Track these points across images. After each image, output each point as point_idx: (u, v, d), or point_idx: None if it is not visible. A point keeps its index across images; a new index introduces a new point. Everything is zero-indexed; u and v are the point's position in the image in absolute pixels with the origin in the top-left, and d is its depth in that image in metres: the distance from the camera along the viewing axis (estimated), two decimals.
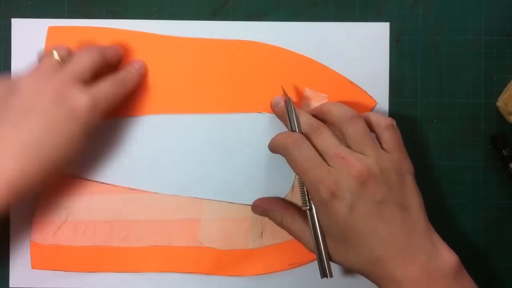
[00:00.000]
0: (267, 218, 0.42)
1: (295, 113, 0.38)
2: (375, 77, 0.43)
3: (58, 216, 0.42)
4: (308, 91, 0.42)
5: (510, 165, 0.42)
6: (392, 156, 0.36)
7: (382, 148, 0.36)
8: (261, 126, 0.42)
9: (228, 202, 0.42)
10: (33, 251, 0.42)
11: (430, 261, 0.33)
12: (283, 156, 0.37)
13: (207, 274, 0.42)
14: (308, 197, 0.37)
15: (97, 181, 0.42)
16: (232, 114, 0.42)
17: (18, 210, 0.42)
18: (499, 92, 0.43)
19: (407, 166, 0.36)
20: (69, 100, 0.35)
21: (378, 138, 0.37)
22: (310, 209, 0.37)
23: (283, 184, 0.42)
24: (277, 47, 0.43)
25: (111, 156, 0.42)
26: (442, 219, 0.43)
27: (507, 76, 0.43)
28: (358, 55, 0.43)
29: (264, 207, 0.40)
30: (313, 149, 0.35)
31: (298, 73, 0.42)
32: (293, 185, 0.42)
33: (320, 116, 0.38)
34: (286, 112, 0.38)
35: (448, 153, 0.43)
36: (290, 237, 0.42)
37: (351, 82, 0.43)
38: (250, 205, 0.42)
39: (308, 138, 0.36)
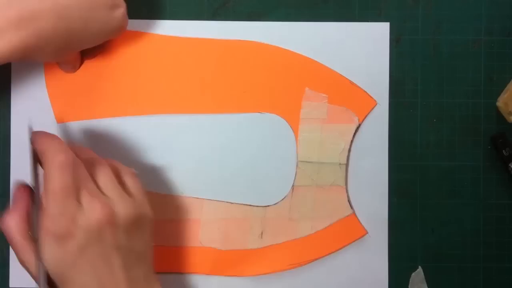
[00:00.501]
0: (267, 218, 0.42)
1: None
2: (375, 77, 0.43)
3: None
4: (308, 91, 0.42)
5: (510, 165, 0.42)
6: (136, 202, 0.35)
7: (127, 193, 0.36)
8: (261, 126, 0.42)
9: (228, 202, 0.42)
10: None
11: None
12: (42, 161, 0.33)
13: (207, 274, 0.42)
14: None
15: None
16: (232, 114, 0.42)
17: None
18: (499, 92, 0.43)
19: (148, 211, 0.36)
20: None
21: (121, 184, 0.36)
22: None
23: (283, 184, 0.42)
24: (277, 47, 0.42)
25: (111, 156, 0.42)
26: (442, 219, 0.43)
27: (507, 76, 0.43)
28: (358, 55, 0.43)
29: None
30: (77, 176, 0.33)
31: (298, 73, 0.42)
32: (293, 186, 0.42)
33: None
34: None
35: (448, 153, 0.43)
36: (290, 237, 0.42)
37: (351, 82, 0.43)
38: (250, 205, 0.42)
39: (78, 166, 0.34)
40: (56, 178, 0.32)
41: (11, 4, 0.32)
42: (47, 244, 0.32)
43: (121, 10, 0.38)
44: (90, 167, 0.35)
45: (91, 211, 0.32)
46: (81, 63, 0.42)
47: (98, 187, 0.34)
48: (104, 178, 0.35)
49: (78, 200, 0.33)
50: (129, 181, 0.37)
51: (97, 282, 0.33)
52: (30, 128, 0.36)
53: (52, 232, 0.32)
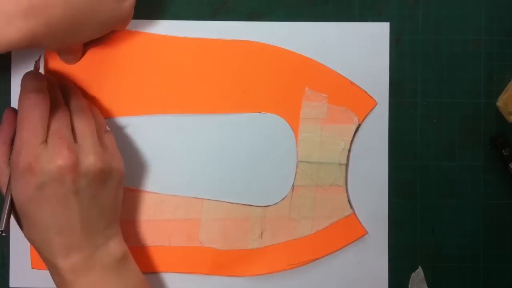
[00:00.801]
0: (267, 218, 0.42)
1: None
2: (375, 77, 0.43)
3: None
4: (308, 91, 0.42)
5: (510, 165, 0.42)
6: (107, 156, 0.37)
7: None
8: (261, 126, 0.42)
9: (228, 202, 0.42)
10: (33, 251, 0.42)
11: (96, 253, 0.36)
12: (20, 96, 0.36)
13: (207, 274, 0.42)
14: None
15: None
16: (232, 114, 0.42)
17: None
18: (499, 92, 0.43)
19: (117, 165, 0.38)
20: None
21: (100, 138, 0.38)
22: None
23: (283, 184, 0.42)
24: (277, 47, 0.42)
25: None
26: (442, 219, 0.43)
27: (507, 76, 0.43)
28: (358, 55, 0.43)
29: None
30: (47, 114, 0.35)
31: (298, 73, 0.42)
32: (293, 186, 0.42)
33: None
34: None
35: (448, 153, 0.43)
36: (290, 237, 0.42)
37: (351, 82, 0.43)
38: (250, 205, 0.42)
39: (59, 110, 0.36)
40: (25, 117, 0.35)
41: None
42: (12, 175, 0.35)
43: (130, 1, 0.38)
44: (75, 115, 0.37)
45: (55, 154, 0.34)
46: (83, 54, 0.42)
47: (74, 134, 0.36)
48: (83, 128, 0.37)
49: (47, 141, 0.35)
50: (105, 137, 0.38)
51: (53, 222, 0.35)
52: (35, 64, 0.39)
53: (15, 164, 0.34)
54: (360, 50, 0.43)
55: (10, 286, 0.42)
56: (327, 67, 0.43)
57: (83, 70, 0.42)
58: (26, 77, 0.37)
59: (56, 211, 0.35)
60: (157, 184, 0.42)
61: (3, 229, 0.36)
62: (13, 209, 0.36)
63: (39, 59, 0.40)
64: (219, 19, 0.43)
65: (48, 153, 0.34)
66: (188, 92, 0.42)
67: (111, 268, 0.36)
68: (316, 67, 0.42)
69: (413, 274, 0.43)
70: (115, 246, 0.37)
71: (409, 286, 0.43)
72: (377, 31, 0.43)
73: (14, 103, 0.42)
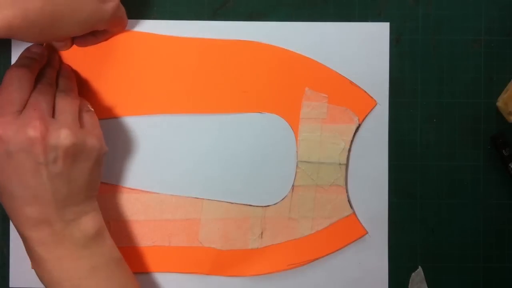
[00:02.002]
0: (267, 218, 0.42)
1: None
2: (375, 77, 0.43)
3: None
4: (308, 91, 0.42)
5: (510, 165, 0.42)
6: (84, 133, 0.36)
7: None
8: (261, 126, 0.42)
9: (228, 202, 0.42)
10: None
11: (66, 229, 0.35)
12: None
13: (207, 274, 0.42)
14: None
15: None
16: (232, 114, 0.42)
17: None
18: (499, 92, 0.43)
19: (93, 141, 0.37)
20: None
21: (79, 118, 0.38)
22: None
23: (283, 184, 0.42)
24: (277, 47, 0.42)
25: (111, 156, 0.42)
26: (442, 219, 0.43)
27: (507, 76, 0.43)
28: (358, 55, 0.43)
29: None
30: (26, 92, 0.36)
31: (298, 73, 0.42)
32: (293, 186, 0.42)
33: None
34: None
35: (448, 153, 0.43)
36: (290, 237, 0.42)
37: (351, 82, 0.43)
38: (250, 205, 0.42)
39: (34, 85, 0.37)
40: (4, 86, 0.35)
41: None
42: None
43: (112, 4, 0.38)
44: (59, 93, 0.37)
45: (25, 124, 0.34)
46: (73, 43, 0.41)
47: (56, 110, 0.36)
48: (64, 104, 0.37)
49: (21, 110, 0.35)
50: (86, 115, 0.38)
51: (22, 193, 0.34)
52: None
53: None
54: (360, 50, 0.43)
55: (10, 286, 0.42)
56: (327, 67, 0.43)
57: (83, 70, 0.42)
58: (26, 49, 0.38)
59: (24, 181, 0.34)
60: (157, 184, 0.42)
61: None
62: None
63: None
64: (219, 19, 0.43)
65: (19, 123, 0.34)
66: (188, 92, 0.42)
67: (82, 245, 0.36)
68: (316, 67, 0.43)
69: (413, 274, 0.43)
70: (88, 223, 0.37)
71: (409, 286, 0.43)
72: (377, 31, 0.43)
73: None
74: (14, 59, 0.42)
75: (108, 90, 0.42)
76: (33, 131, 0.34)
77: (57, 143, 0.34)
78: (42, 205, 0.35)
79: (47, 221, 0.35)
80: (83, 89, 0.42)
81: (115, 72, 0.42)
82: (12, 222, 0.36)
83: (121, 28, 0.41)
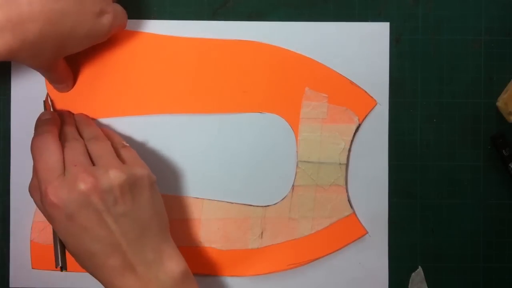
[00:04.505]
0: (267, 218, 0.42)
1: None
2: (375, 77, 0.43)
3: None
4: (308, 91, 0.42)
5: (510, 165, 0.42)
6: (128, 167, 0.36)
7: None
8: (261, 126, 0.42)
9: (228, 202, 0.42)
10: (33, 251, 0.42)
11: (149, 272, 0.35)
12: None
13: (207, 274, 0.42)
14: None
15: None
16: (232, 114, 0.42)
17: (18, 210, 0.42)
18: (499, 92, 0.43)
19: (140, 170, 0.36)
20: None
21: (118, 156, 0.37)
22: None
23: (283, 184, 0.42)
24: (277, 47, 0.42)
25: None
26: (442, 219, 0.43)
27: (507, 76, 0.43)
28: (358, 55, 0.43)
29: None
30: (59, 154, 0.35)
31: (298, 73, 0.42)
32: (293, 186, 0.42)
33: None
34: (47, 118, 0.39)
35: (448, 153, 0.43)
36: (290, 237, 0.42)
37: (351, 82, 0.43)
38: (250, 205, 0.42)
39: (62, 146, 0.36)
40: (37, 158, 0.35)
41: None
42: (45, 216, 0.35)
43: (109, 16, 0.38)
44: (89, 142, 0.37)
45: (74, 181, 0.34)
46: (74, 82, 0.42)
47: (93, 158, 0.36)
48: (98, 149, 0.37)
49: (64, 173, 0.34)
50: (122, 151, 0.38)
51: (97, 247, 0.34)
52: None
53: (43, 205, 0.34)
54: (360, 50, 0.43)
55: (10, 286, 0.42)
56: (327, 67, 0.43)
57: (84, 70, 0.42)
58: (38, 119, 0.39)
59: (95, 235, 0.34)
60: (157, 184, 0.42)
61: (60, 265, 0.36)
62: (63, 245, 0.36)
63: (46, 99, 0.41)
64: (219, 19, 0.43)
65: (67, 183, 0.34)
66: (188, 92, 0.42)
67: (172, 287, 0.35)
68: (316, 67, 0.43)
69: (413, 274, 0.43)
70: (171, 264, 0.36)
71: (409, 286, 0.43)
72: (377, 31, 0.43)
73: (14, 102, 0.42)
74: (13, 83, 0.42)
75: (108, 90, 0.42)
76: (83, 184, 0.33)
77: (110, 184, 0.34)
78: (120, 251, 0.34)
79: (130, 266, 0.34)
80: (83, 89, 0.42)
81: (115, 72, 0.42)
82: (99, 281, 0.35)
83: (121, 28, 0.41)
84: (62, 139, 0.37)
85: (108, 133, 0.40)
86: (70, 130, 0.39)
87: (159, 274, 0.35)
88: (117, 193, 0.34)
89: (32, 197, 0.36)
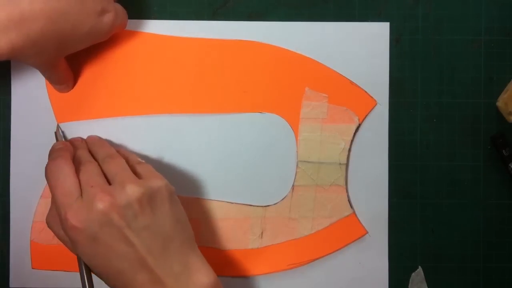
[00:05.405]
0: (267, 218, 0.42)
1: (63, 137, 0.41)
2: (375, 77, 0.43)
3: None
4: (308, 91, 0.42)
5: (510, 165, 0.42)
6: (145, 181, 0.35)
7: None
8: (261, 126, 0.42)
9: (228, 202, 0.42)
10: (33, 251, 0.42)
11: (179, 284, 0.34)
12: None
13: None
14: None
15: None
16: (232, 114, 0.42)
17: (18, 210, 0.42)
18: (499, 92, 0.43)
19: (157, 182, 0.36)
20: None
21: (134, 172, 0.37)
22: None
23: (283, 184, 0.42)
24: (277, 47, 0.43)
25: None
26: (442, 219, 0.43)
27: (507, 76, 0.43)
28: (358, 55, 0.43)
29: None
30: (71, 177, 0.35)
31: (298, 73, 0.42)
32: (293, 186, 0.42)
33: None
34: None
35: (448, 153, 0.43)
36: (290, 237, 0.42)
37: (351, 82, 0.43)
38: (250, 205, 0.42)
39: (77, 171, 0.36)
40: (52, 184, 0.35)
41: (1, 5, 0.33)
42: (68, 240, 0.35)
43: (110, 15, 0.38)
44: (103, 162, 0.37)
45: (92, 201, 0.33)
46: (75, 83, 0.42)
47: (109, 176, 0.36)
48: (113, 168, 0.36)
49: (82, 195, 0.34)
50: (138, 167, 0.37)
51: (124, 265, 0.33)
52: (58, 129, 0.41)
53: (64, 230, 0.34)
54: (360, 50, 0.43)
55: (10, 286, 0.42)
56: (327, 67, 0.43)
57: (84, 70, 0.42)
58: (51, 149, 0.38)
59: (120, 253, 0.33)
60: None
61: None
62: (88, 268, 0.36)
63: (57, 130, 0.41)
64: (219, 19, 0.43)
65: (85, 205, 0.33)
66: (188, 92, 0.42)
67: None
68: (316, 67, 0.43)
69: (413, 274, 0.43)
70: (200, 276, 0.35)
71: (409, 286, 0.43)
72: (377, 31, 0.43)
73: (14, 103, 0.42)
74: (13, 83, 0.42)
75: (108, 90, 0.42)
76: (101, 203, 0.33)
77: (128, 200, 0.34)
78: (146, 265, 0.33)
79: (158, 280, 0.33)
80: (84, 89, 0.42)
81: (115, 72, 0.42)
82: None
83: (121, 27, 0.41)
84: (76, 163, 0.36)
85: (122, 152, 0.40)
86: (83, 154, 0.38)
87: (189, 285, 0.34)
88: (136, 208, 0.34)
89: (50, 228, 0.36)
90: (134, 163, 0.38)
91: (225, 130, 0.42)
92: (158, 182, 0.36)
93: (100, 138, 0.42)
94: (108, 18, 0.38)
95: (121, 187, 0.34)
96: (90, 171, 0.36)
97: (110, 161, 0.37)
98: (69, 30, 0.35)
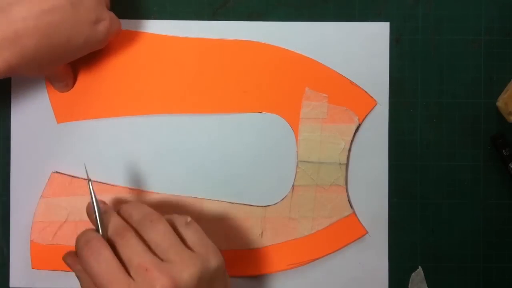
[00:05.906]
0: (267, 218, 0.42)
1: (99, 213, 0.34)
2: (375, 77, 0.43)
3: (58, 216, 0.42)
4: (308, 91, 0.42)
5: (510, 165, 0.42)
6: (199, 254, 0.33)
7: (187, 246, 0.33)
8: (261, 126, 0.42)
9: (228, 202, 0.42)
10: (33, 251, 0.42)
11: None
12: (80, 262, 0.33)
13: None
14: None
15: (97, 181, 0.42)
16: (232, 114, 0.42)
17: (18, 210, 0.42)
18: (499, 92, 0.43)
19: (215, 261, 0.33)
20: None
21: (181, 237, 0.34)
22: None
23: (283, 184, 0.42)
24: (277, 47, 0.43)
25: (111, 156, 0.42)
26: (442, 219, 0.43)
27: (507, 76, 0.43)
28: (358, 55, 0.43)
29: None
30: (114, 259, 0.31)
31: (298, 73, 0.42)
32: (293, 186, 0.42)
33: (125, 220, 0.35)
34: (93, 211, 0.34)
35: (448, 153, 0.43)
36: (290, 237, 0.42)
37: (351, 82, 0.43)
38: (250, 205, 0.42)
39: (113, 244, 0.32)
40: (95, 273, 0.31)
41: None
42: None
43: (105, 23, 0.38)
44: (143, 227, 0.33)
45: (149, 286, 0.30)
46: (74, 81, 0.42)
47: (154, 247, 0.32)
48: (159, 238, 0.33)
49: (132, 277, 0.31)
50: (188, 233, 0.34)
51: None
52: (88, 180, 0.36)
53: None
54: (360, 50, 0.43)
55: (10, 286, 0.42)
56: (327, 67, 0.43)
57: (84, 70, 0.42)
58: (78, 239, 0.34)
59: None
60: (157, 184, 0.42)
61: None
62: None
63: (90, 186, 0.36)
64: (219, 19, 0.43)
65: None
66: (188, 92, 0.42)
67: None
68: (316, 67, 0.43)
69: (413, 274, 0.43)
70: None
71: (409, 286, 0.43)
72: (377, 31, 0.43)
73: (14, 103, 0.42)
74: (13, 83, 0.42)
75: (108, 90, 0.42)
76: None
77: (189, 282, 0.31)
78: None
79: None
80: (84, 89, 0.42)
81: (115, 72, 0.42)
82: None
83: (116, 34, 0.40)
84: (107, 234, 0.33)
85: (158, 206, 0.37)
86: (113, 220, 0.34)
87: None
88: (197, 284, 0.32)
89: None
90: (181, 226, 0.34)
91: (225, 130, 0.42)
92: (216, 260, 0.33)
93: (136, 202, 0.38)
94: (103, 26, 0.37)
95: (178, 270, 0.31)
96: (132, 245, 0.32)
97: (152, 226, 0.33)
98: (64, 42, 0.35)
